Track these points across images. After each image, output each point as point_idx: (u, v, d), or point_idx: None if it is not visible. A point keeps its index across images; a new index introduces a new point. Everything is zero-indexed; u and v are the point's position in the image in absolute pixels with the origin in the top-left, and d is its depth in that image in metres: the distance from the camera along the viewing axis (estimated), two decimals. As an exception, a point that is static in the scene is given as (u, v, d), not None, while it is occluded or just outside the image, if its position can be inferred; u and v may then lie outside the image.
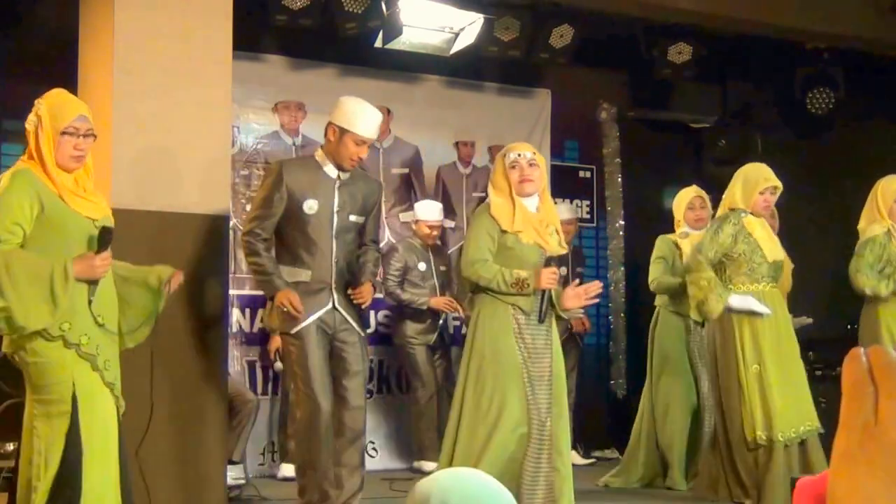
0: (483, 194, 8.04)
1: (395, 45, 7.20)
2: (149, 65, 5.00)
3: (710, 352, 5.52)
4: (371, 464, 6.95)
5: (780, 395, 5.18)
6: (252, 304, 6.85)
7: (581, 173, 8.56)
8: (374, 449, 7.14)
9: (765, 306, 5.25)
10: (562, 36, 7.37)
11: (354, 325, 4.71)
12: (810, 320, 6.48)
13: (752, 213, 5.38)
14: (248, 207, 4.85)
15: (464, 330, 7.53)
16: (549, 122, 8.24)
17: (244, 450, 6.03)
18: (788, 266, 6.53)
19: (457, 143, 7.94)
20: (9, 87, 6.44)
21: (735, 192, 5.43)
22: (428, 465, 6.82)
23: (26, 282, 3.71)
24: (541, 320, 4.55)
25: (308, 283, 4.64)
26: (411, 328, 6.93)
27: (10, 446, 5.79)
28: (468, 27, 7.30)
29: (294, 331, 4.60)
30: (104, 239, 3.88)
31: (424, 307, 6.89)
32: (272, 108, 7.29)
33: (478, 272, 4.54)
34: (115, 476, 3.86)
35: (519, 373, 4.50)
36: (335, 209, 4.69)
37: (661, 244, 6.49)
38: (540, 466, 4.47)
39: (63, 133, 3.86)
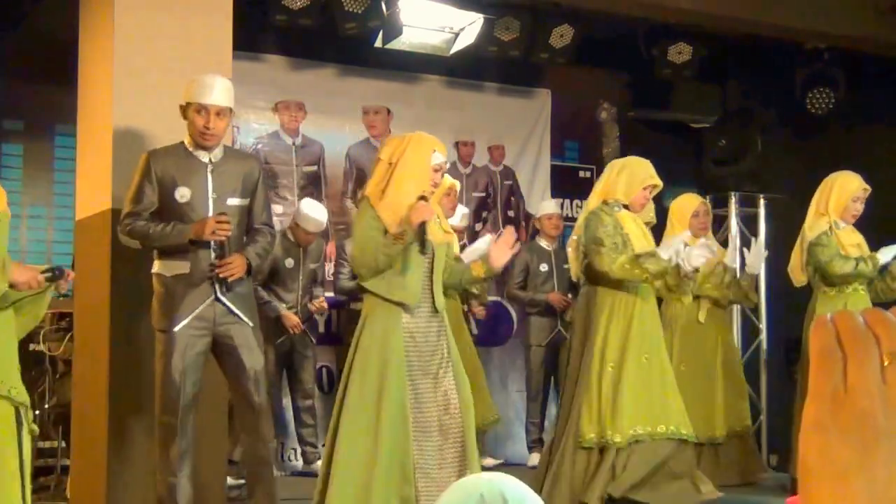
0: (483, 193, 8.05)
1: (395, 45, 7.20)
2: (149, 65, 5.00)
3: (574, 348, 5.41)
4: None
5: (632, 395, 5.07)
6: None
7: (581, 173, 8.56)
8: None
9: (703, 250, 5.20)
10: (562, 36, 7.37)
11: (242, 316, 4.43)
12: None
13: (626, 208, 5.27)
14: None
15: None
16: (549, 122, 8.24)
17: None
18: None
19: (457, 143, 7.94)
20: (9, 87, 6.45)
21: (617, 184, 5.31)
22: None
23: None
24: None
25: (188, 276, 4.36)
26: (353, 327, 6.86)
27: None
28: (468, 27, 7.30)
29: (169, 329, 4.35)
30: (55, 274, 3.82)
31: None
32: (272, 108, 7.29)
33: (363, 261, 4.32)
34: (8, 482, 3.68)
35: (403, 372, 4.29)
36: (210, 195, 4.43)
37: None
38: (450, 469, 4.28)
39: None
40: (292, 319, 6.46)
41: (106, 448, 4.81)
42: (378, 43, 7.15)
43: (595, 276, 5.26)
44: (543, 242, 7.50)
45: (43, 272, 3.87)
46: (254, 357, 4.48)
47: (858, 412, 0.62)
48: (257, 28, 6.84)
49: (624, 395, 5.08)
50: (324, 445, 6.93)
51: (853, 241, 5.83)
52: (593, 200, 5.40)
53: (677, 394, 5.22)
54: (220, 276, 4.34)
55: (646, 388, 5.13)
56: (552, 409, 7.73)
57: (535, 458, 7.34)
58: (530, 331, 7.44)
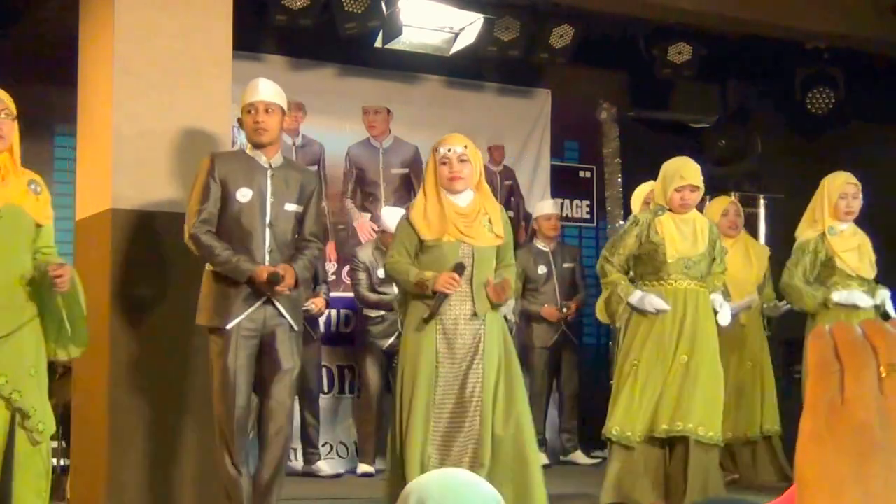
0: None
1: (395, 45, 7.20)
2: (149, 65, 5.00)
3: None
4: (342, 465, 6.96)
5: (652, 394, 5.07)
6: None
7: (581, 173, 8.56)
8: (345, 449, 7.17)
9: (662, 303, 5.13)
10: (562, 36, 7.37)
11: (289, 318, 4.54)
12: (783, 306, 6.45)
13: (671, 210, 5.28)
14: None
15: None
16: (549, 122, 8.24)
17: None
18: (760, 256, 6.57)
19: (457, 143, 7.92)
20: (9, 87, 6.43)
21: (657, 189, 5.39)
22: (363, 467, 6.83)
23: None
24: (426, 320, 4.42)
25: None
26: (372, 329, 6.85)
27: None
28: (468, 27, 7.30)
29: (223, 326, 4.44)
30: None
31: (390, 307, 6.77)
32: (272, 108, 7.28)
33: (393, 272, 4.55)
34: None
35: (430, 376, 4.40)
36: (268, 197, 4.56)
37: None
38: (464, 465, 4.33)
39: None
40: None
41: (106, 448, 4.81)
42: (378, 43, 7.15)
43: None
44: (540, 244, 7.47)
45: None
46: (293, 360, 4.56)
47: (855, 424, 0.61)
48: (257, 28, 6.84)
49: (644, 393, 5.10)
50: (323, 445, 7.00)
51: (850, 246, 5.75)
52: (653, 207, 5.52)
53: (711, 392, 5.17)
54: (279, 293, 4.46)
55: (672, 385, 5.10)
56: (551, 411, 7.73)
57: (541, 458, 7.32)
58: (533, 334, 7.41)
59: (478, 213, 4.55)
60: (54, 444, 5.95)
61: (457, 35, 7.39)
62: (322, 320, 7.16)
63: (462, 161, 4.53)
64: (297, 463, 6.88)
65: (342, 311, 7.34)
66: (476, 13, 7.19)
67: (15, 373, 3.84)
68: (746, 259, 6.59)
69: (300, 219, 4.66)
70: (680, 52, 7.73)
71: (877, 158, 8.03)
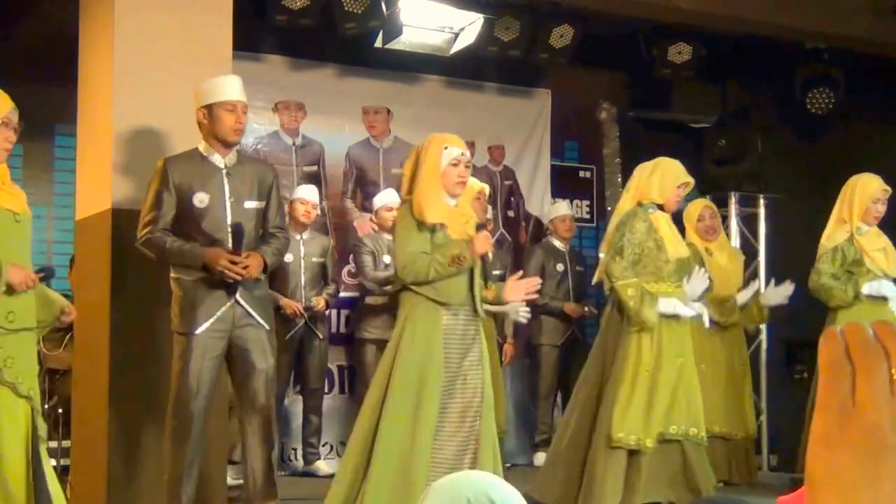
0: (483, 194, 8.04)
1: (395, 45, 7.20)
2: (149, 65, 4.99)
3: (601, 351, 5.26)
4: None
5: (666, 398, 5.00)
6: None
7: (581, 173, 8.56)
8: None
9: (687, 308, 5.05)
10: (562, 36, 7.37)
11: (258, 318, 4.48)
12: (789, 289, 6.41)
13: (661, 209, 5.16)
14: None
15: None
16: (549, 122, 8.24)
17: (244, 450, 6.01)
18: (735, 262, 6.58)
19: (457, 143, 7.93)
20: (9, 87, 6.43)
21: (651, 185, 5.19)
22: None
23: None
24: (474, 310, 4.42)
25: (208, 279, 4.39)
26: (368, 323, 6.82)
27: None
28: (468, 27, 7.30)
29: (190, 332, 4.39)
30: (47, 273, 3.98)
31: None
32: (272, 108, 7.29)
33: (414, 271, 4.33)
34: (16, 479, 3.70)
35: (441, 373, 4.32)
36: (227, 199, 4.48)
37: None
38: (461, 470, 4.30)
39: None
40: (292, 305, 6.44)
41: (106, 448, 4.81)
42: (378, 43, 7.15)
43: None
44: (557, 242, 7.52)
45: (36, 272, 3.90)
46: (266, 359, 4.51)
47: (866, 426, 0.61)
48: (257, 28, 6.83)
49: (658, 398, 5.01)
50: (324, 445, 6.98)
51: (877, 246, 5.73)
52: (626, 203, 5.28)
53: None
54: (234, 278, 4.36)
55: (682, 389, 5.07)
56: (555, 411, 7.72)
57: (540, 458, 7.32)
58: (542, 331, 7.43)
59: (468, 216, 4.54)
60: (53, 444, 5.98)
61: (457, 35, 7.39)
62: (336, 318, 7.17)
63: (467, 167, 4.52)
64: (298, 462, 6.88)
65: (342, 312, 7.34)
66: (476, 13, 7.20)
67: (29, 373, 3.85)
68: (731, 261, 6.64)
69: (263, 214, 4.60)
70: (680, 52, 7.73)
71: (876, 158, 8.03)
